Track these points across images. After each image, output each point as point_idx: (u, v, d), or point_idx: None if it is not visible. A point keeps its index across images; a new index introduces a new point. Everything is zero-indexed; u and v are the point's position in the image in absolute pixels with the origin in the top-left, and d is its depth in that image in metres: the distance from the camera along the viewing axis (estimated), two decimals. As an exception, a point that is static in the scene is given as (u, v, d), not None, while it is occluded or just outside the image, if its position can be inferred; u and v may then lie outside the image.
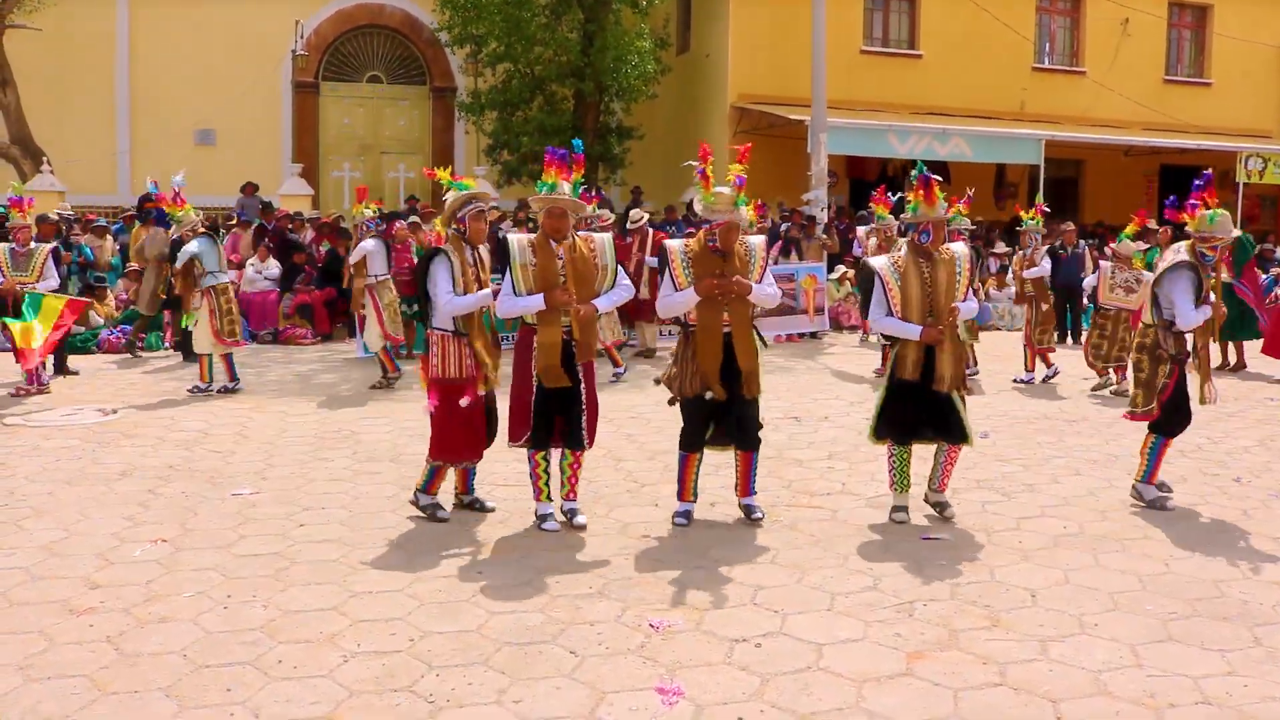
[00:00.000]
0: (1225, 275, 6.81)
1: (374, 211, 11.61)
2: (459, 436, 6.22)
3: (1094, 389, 11.45)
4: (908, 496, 6.52)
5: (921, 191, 6.32)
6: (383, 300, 11.23)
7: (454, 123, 24.15)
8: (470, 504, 6.55)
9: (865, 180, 21.45)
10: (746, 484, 6.45)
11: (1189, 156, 23.41)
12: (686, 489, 6.40)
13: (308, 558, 5.67)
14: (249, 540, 5.98)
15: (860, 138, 19.99)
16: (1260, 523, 6.52)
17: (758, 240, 6.35)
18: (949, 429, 6.36)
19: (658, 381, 6.48)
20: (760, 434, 6.38)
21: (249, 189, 19.25)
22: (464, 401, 6.08)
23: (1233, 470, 7.84)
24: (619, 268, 6.20)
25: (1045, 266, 12.18)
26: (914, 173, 6.50)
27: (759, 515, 6.36)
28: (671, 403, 6.37)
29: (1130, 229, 11.93)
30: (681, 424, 6.35)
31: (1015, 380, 11.91)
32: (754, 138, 20.97)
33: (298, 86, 23.79)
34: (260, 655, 4.41)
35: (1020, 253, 12.37)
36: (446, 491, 6.56)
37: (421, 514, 6.39)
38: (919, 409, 6.32)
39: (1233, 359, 13.27)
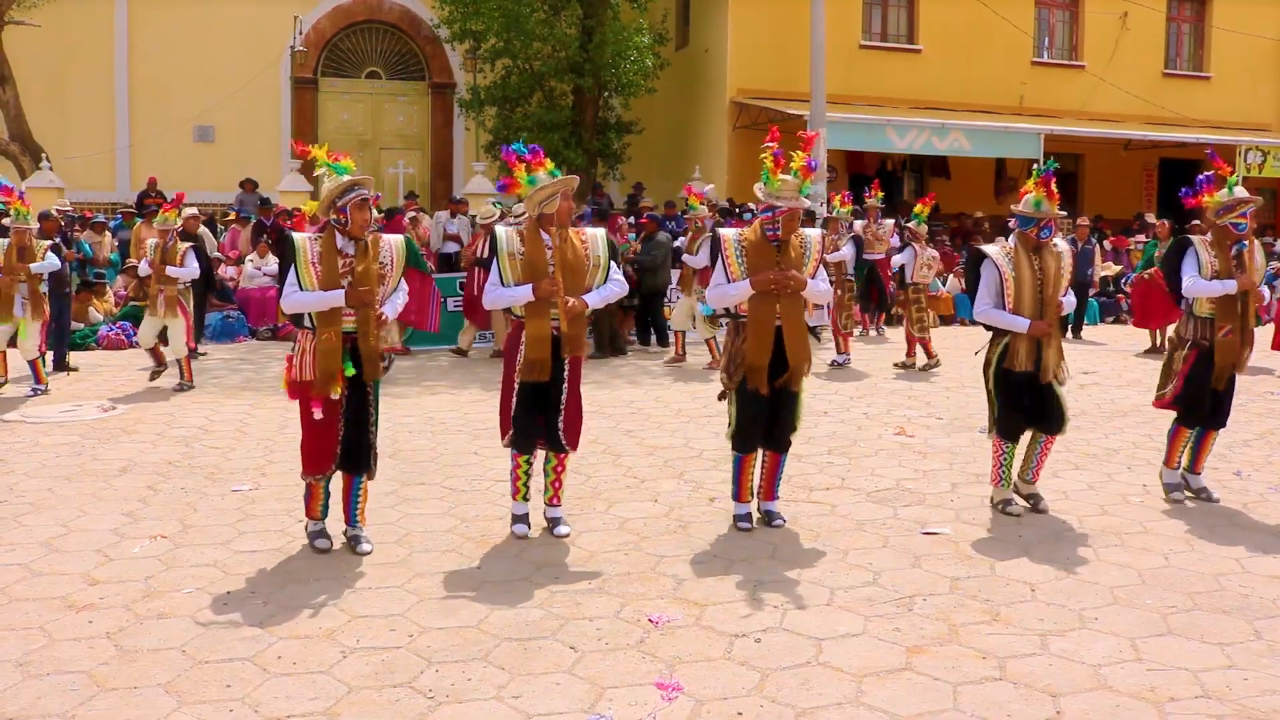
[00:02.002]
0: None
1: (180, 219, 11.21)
2: (308, 444, 5.61)
3: (923, 368, 12.50)
4: (1010, 491, 6.51)
5: (1044, 188, 6.28)
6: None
7: (453, 119, 24.14)
8: (348, 539, 5.81)
9: (865, 175, 21.43)
10: (771, 487, 6.29)
11: (1188, 150, 23.38)
12: (744, 490, 6.18)
13: (307, 553, 5.67)
14: (248, 536, 5.97)
15: (859, 133, 19.98)
16: (1260, 516, 6.52)
17: (814, 233, 6.19)
18: (1049, 418, 6.35)
19: (721, 397, 6.23)
20: (793, 438, 6.25)
21: (248, 185, 19.25)
22: (316, 413, 5.46)
23: (1233, 464, 7.84)
24: (612, 264, 5.98)
25: (847, 251, 12.83)
26: (1038, 169, 6.40)
27: (780, 522, 6.19)
28: (722, 397, 6.22)
29: (920, 209, 12.84)
30: (729, 424, 6.15)
31: (830, 363, 12.60)
32: (753, 133, 21.03)
33: (296, 83, 23.76)
34: (259, 651, 4.41)
35: (832, 238, 12.97)
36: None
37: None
38: (1023, 400, 6.32)
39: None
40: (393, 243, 5.78)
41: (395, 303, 5.73)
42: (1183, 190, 6.90)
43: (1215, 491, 6.87)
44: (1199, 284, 6.55)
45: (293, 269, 5.43)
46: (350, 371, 5.46)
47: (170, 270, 10.73)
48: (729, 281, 5.95)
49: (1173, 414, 6.90)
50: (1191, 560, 5.65)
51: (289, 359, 5.61)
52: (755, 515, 6.27)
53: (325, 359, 5.39)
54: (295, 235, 5.53)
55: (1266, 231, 21.55)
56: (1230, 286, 6.49)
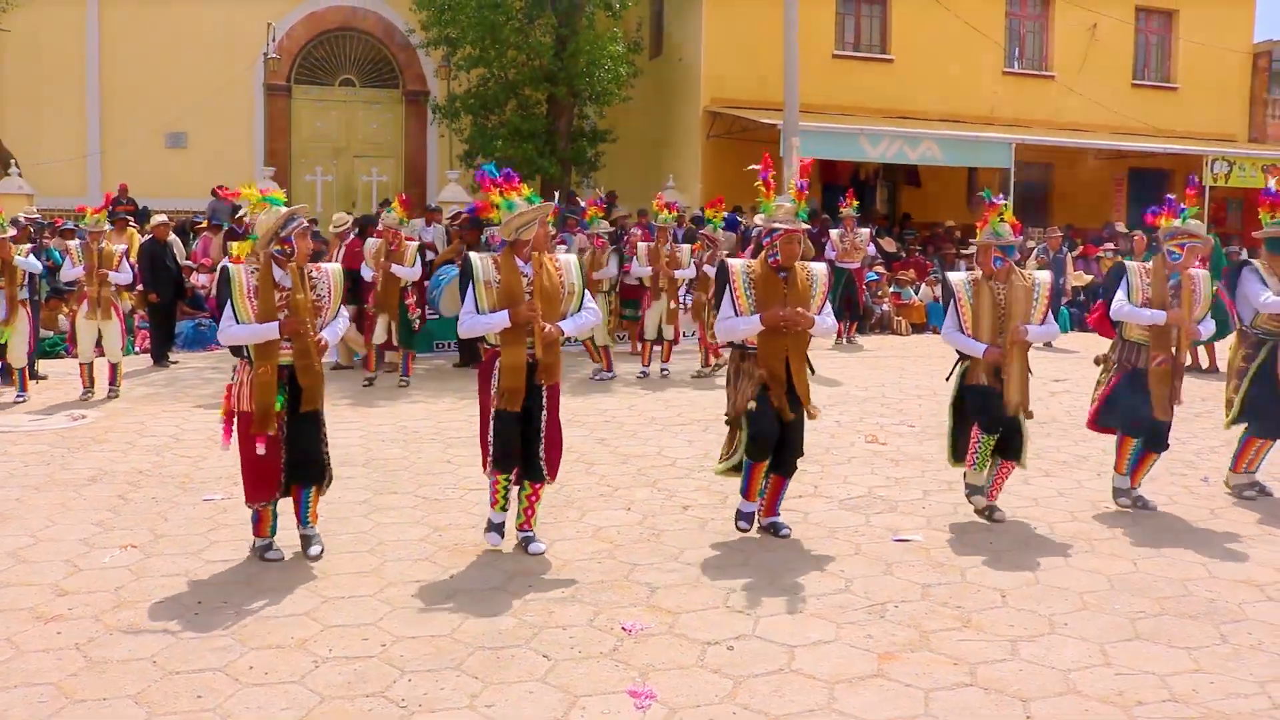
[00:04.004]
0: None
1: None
2: (252, 473, 5.58)
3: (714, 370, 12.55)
4: (984, 476, 6.54)
5: (992, 215, 6.36)
6: None
7: (427, 126, 24.11)
8: (301, 540, 5.85)
9: (838, 184, 21.54)
10: (774, 504, 6.30)
11: (1157, 160, 23.65)
12: (753, 491, 6.16)
13: (279, 563, 5.64)
14: (220, 546, 5.94)
15: (832, 141, 20.05)
16: (1226, 522, 6.60)
17: (820, 268, 6.18)
18: (1009, 444, 6.39)
19: (728, 421, 6.16)
20: (799, 461, 6.22)
21: (220, 192, 19.12)
22: (259, 449, 5.48)
23: (1200, 470, 7.93)
24: (586, 292, 5.98)
25: (610, 270, 12.67)
26: (983, 195, 6.51)
27: (786, 532, 6.21)
28: (735, 426, 6.15)
29: (713, 213, 12.97)
30: (744, 439, 6.04)
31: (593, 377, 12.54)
32: (726, 142, 21.10)
33: (270, 89, 23.69)
34: (231, 661, 4.39)
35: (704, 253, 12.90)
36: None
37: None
38: (995, 406, 6.34)
39: (1204, 362, 13.38)
40: (329, 271, 5.84)
41: (335, 328, 5.79)
42: (1151, 208, 7.00)
43: (1151, 500, 6.93)
44: (1125, 309, 6.62)
45: (229, 302, 5.47)
46: (279, 406, 5.50)
47: (112, 276, 10.68)
48: (737, 315, 5.93)
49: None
50: (1159, 565, 5.71)
51: (228, 388, 5.65)
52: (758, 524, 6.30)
53: (261, 392, 5.45)
54: (231, 267, 5.57)
55: (1231, 240, 21.76)
56: (1159, 318, 6.54)
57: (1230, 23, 25.42)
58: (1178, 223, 6.70)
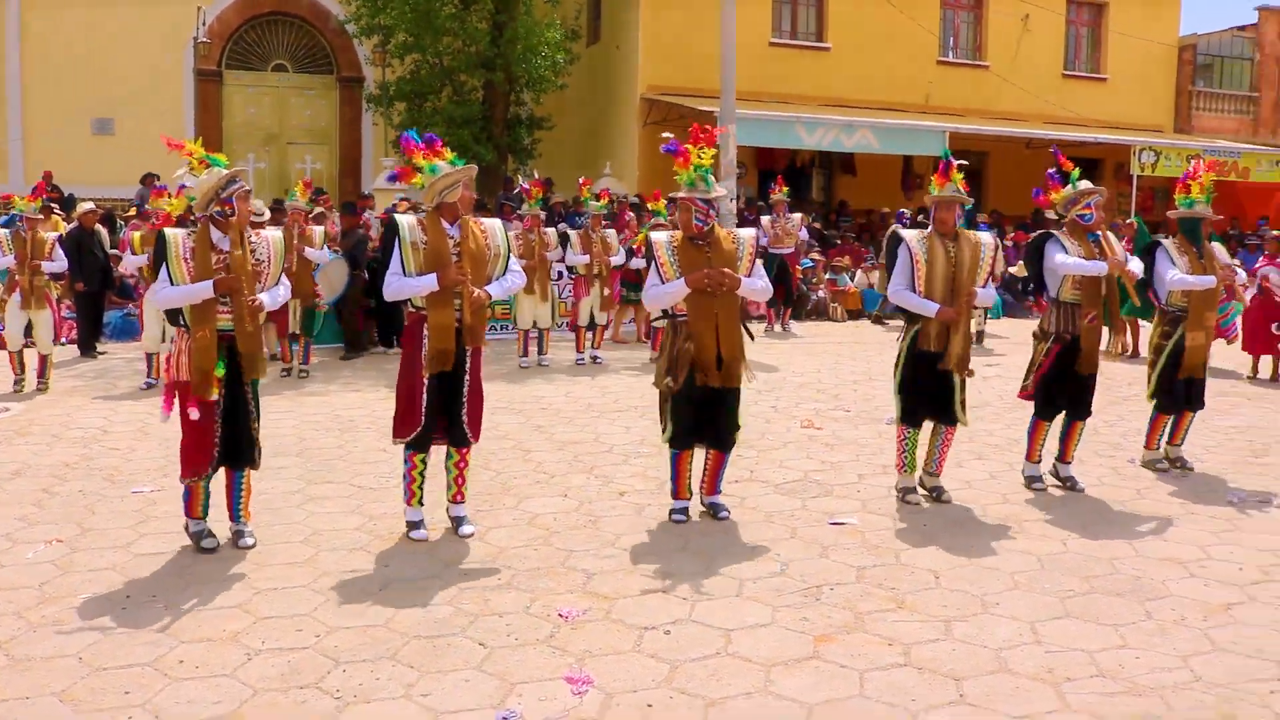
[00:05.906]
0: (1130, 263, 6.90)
1: None
2: (188, 445, 5.48)
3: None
4: (915, 478, 6.66)
5: (944, 175, 6.42)
6: None
7: (361, 113, 23.82)
8: (231, 534, 5.75)
9: (774, 171, 21.65)
10: (714, 482, 6.32)
11: (1087, 149, 24.06)
12: (682, 487, 6.19)
13: (209, 555, 5.54)
14: (149, 539, 5.82)
15: (769, 129, 20.14)
16: (1152, 502, 6.74)
17: (748, 233, 6.19)
18: (948, 409, 6.47)
19: (658, 385, 6.15)
20: (737, 435, 6.20)
21: (149, 180, 18.72)
22: (193, 414, 5.36)
23: (1127, 451, 8.09)
24: (510, 256, 5.95)
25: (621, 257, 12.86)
26: (941, 157, 6.56)
27: (725, 514, 6.22)
28: (665, 396, 6.11)
29: (655, 205, 12.58)
30: (666, 427, 6.08)
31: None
32: (663, 129, 21.09)
33: (200, 75, 23.23)
34: (160, 656, 4.31)
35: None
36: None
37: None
38: (927, 386, 6.42)
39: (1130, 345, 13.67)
40: (270, 239, 5.73)
41: (276, 294, 5.67)
42: (1034, 191, 7.11)
43: (1081, 481, 7.05)
44: (1070, 261, 6.62)
45: (164, 265, 5.34)
46: (220, 372, 5.38)
47: (45, 266, 10.42)
48: (663, 282, 5.94)
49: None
50: (1088, 545, 5.82)
51: (168, 359, 5.53)
52: (693, 510, 6.29)
53: (199, 357, 5.32)
54: (166, 232, 5.44)
55: (1159, 229, 22.22)
56: (1101, 268, 6.62)
57: (1157, 16, 25.97)
58: (1069, 189, 6.82)
